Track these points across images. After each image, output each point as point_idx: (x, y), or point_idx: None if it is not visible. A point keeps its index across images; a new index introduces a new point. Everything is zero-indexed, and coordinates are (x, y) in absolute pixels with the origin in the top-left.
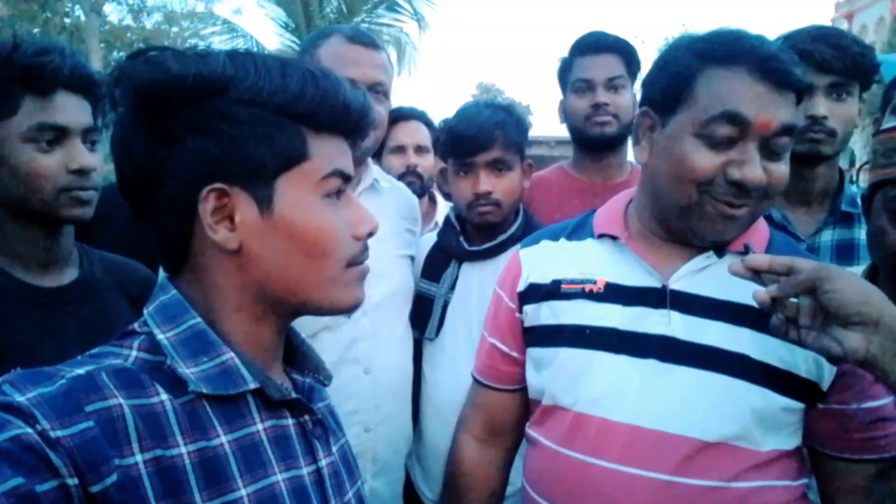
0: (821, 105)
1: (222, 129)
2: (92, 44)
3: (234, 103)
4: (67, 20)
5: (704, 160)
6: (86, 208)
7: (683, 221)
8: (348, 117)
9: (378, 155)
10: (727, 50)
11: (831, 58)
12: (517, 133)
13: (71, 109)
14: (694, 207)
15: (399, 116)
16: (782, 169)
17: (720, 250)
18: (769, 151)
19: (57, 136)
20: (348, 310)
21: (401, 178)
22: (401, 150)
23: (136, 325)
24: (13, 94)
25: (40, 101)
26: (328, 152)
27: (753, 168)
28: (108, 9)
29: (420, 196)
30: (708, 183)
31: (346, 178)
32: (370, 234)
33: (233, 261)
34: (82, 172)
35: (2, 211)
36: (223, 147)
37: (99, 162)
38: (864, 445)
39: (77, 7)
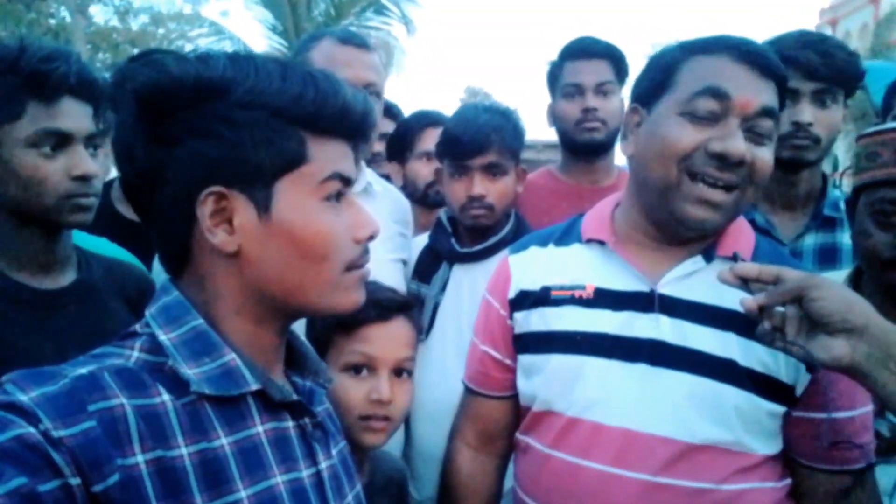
0: (806, 111)
1: (221, 132)
2: (78, 45)
3: (233, 106)
4: (53, 21)
5: (686, 135)
6: (87, 214)
7: (666, 207)
8: (348, 120)
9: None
10: (711, 41)
11: (818, 64)
12: (513, 138)
13: (75, 116)
14: (674, 188)
15: (430, 122)
16: (766, 155)
17: (707, 254)
18: (752, 135)
19: (60, 141)
20: (346, 313)
21: (429, 186)
22: (430, 157)
23: (137, 326)
24: (18, 98)
25: (45, 107)
26: (328, 155)
27: (735, 140)
28: (93, 10)
29: (442, 205)
30: (688, 158)
31: (347, 181)
32: (371, 238)
33: (232, 264)
34: (84, 179)
35: (3, 214)
36: (222, 150)
37: (101, 167)
38: (831, 456)
39: (63, 8)
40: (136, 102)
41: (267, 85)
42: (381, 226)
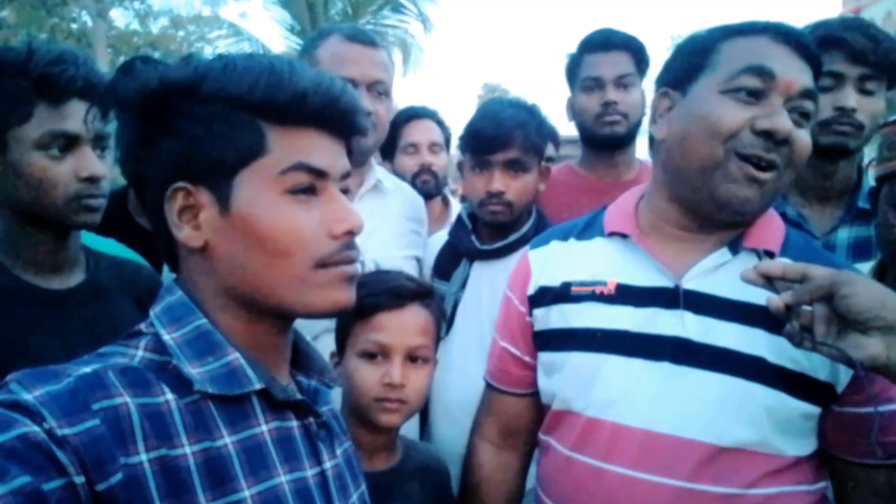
0: (851, 97)
1: (184, 128)
2: (99, 49)
3: (197, 102)
4: (74, 25)
5: (731, 113)
6: (95, 215)
7: (706, 188)
8: (306, 105)
9: (390, 155)
10: (748, 23)
11: (865, 47)
12: (537, 135)
13: (83, 117)
14: (719, 167)
15: (412, 115)
16: (806, 136)
17: (734, 247)
18: (794, 115)
19: (68, 143)
20: (328, 314)
21: (415, 176)
22: (414, 148)
23: (142, 326)
24: (27, 101)
25: (53, 109)
26: (293, 146)
27: (781, 118)
28: (114, 14)
29: (434, 195)
30: (734, 137)
31: (318, 173)
32: (350, 233)
33: (204, 260)
34: (92, 180)
35: (12, 215)
36: (185, 146)
37: (108, 168)
38: (883, 450)
39: (84, 12)
40: (120, 110)
41: (228, 78)
42: (393, 223)
